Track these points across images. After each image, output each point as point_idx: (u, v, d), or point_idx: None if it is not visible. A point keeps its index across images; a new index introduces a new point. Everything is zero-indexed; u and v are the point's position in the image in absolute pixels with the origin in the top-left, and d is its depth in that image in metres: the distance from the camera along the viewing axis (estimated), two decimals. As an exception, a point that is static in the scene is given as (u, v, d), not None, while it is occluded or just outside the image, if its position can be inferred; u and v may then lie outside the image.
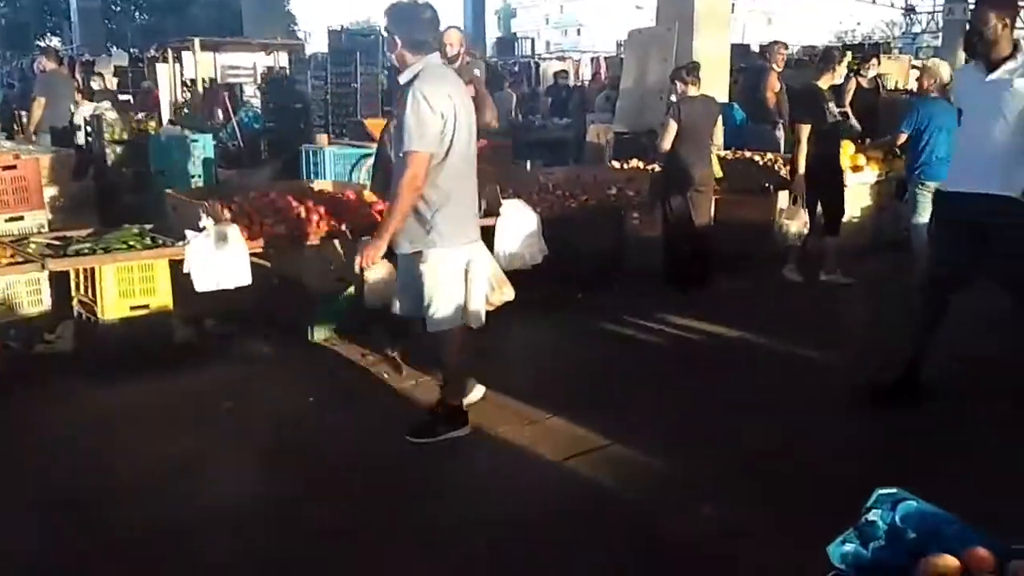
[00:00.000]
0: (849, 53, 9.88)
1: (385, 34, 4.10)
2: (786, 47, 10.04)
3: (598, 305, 6.27)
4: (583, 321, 5.94)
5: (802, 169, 6.60)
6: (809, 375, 5.06)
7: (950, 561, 1.72)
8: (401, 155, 3.83)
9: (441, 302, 4.00)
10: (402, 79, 3.94)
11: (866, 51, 11.43)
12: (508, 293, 4.33)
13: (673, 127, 6.67)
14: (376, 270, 4.57)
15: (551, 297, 5.97)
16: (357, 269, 4.07)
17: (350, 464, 3.95)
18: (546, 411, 4.40)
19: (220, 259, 4.93)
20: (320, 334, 5.50)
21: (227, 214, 5.22)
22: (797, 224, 6.64)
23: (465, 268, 4.07)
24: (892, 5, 37.70)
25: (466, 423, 4.16)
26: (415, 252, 3.99)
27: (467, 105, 4.00)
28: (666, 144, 6.71)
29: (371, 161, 7.08)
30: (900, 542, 1.79)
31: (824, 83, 6.75)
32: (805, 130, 6.59)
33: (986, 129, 4.18)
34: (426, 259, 3.96)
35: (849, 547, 1.78)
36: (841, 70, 6.76)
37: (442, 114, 3.80)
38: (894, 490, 1.89)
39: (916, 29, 37.25)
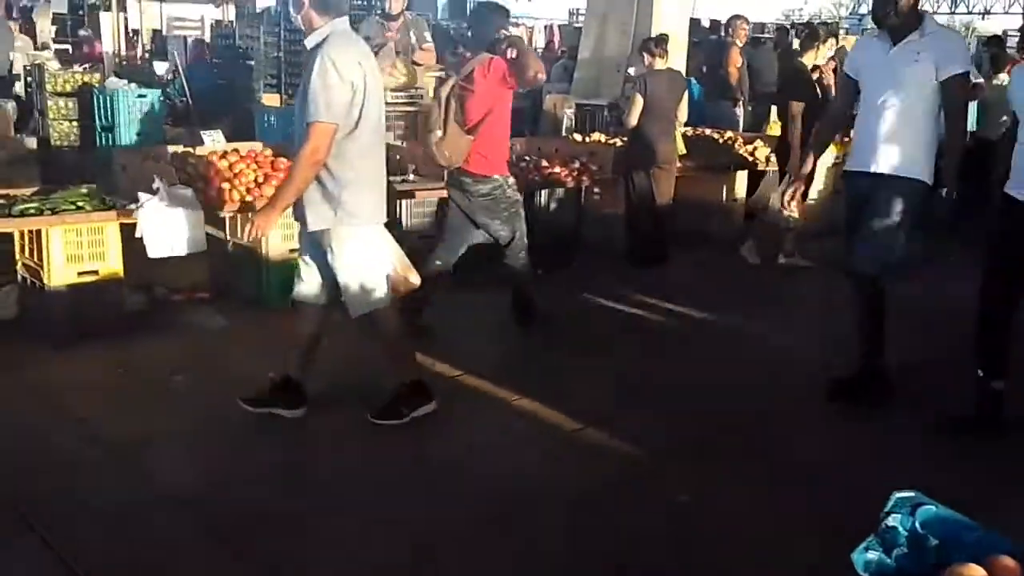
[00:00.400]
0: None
1: None
2: (748, 22, 9.98)
3: (557, 282, 6.17)
4: (544, 299, 5.82)
5: (797, 147, 6.35)
6: (773, 358, 5.03)
7: (976, 571, 1.67)
8: (305, 125, 3.56)
9: (360, 284, 3.78)
10: (308, 43, 3.67)
11: (814, 29, 11.42)
12: (413, 279, 4.10)
13: (640, 102, 6.56)
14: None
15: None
16: (246, 239, 3.83)
17: (309, 442, 3.82)
18: (512, 392, 4.30)
19: (174, 224, 4.73)
20: (278, 305, 5.30)
21: (181, 176, 5.02)
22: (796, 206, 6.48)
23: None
24: (840, -15, 38.09)
25: (430, 398, 3.99)
26: (322, 231, 3.74)
27: (377, 74, 3.76)
28: (633, 119, 6.60)
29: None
30: (922, 549, 1.74)
31: (808, 60, 6.64)
32: (799, 107, 6.40)
33: (887, 103, 4.06)
34: (334, 239, 3.72)
35: (873, 555, 1.72)
36: (824, 49, 6.65)
37: (352, 83, 3.56)
38: (912, 493, 1.83)
39: (863, 10, 37.61)
